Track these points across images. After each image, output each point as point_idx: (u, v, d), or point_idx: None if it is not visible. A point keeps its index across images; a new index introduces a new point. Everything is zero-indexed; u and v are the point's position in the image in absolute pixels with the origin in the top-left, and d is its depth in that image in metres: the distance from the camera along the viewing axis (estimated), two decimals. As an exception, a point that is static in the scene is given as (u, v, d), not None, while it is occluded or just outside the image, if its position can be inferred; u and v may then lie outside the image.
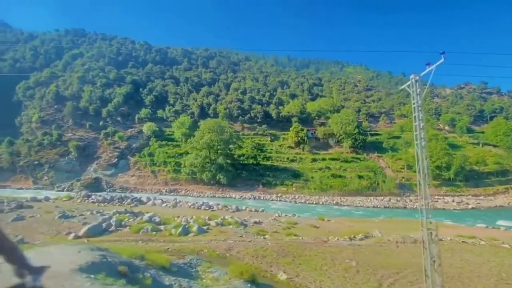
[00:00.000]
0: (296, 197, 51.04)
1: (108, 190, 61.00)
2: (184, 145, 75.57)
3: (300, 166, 69.18)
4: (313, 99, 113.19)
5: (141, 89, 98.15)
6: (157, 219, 18.42)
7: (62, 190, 60.94)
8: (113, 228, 15.82)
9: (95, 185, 61.49)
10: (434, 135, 75.29)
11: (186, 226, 16.38)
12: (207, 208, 30.22)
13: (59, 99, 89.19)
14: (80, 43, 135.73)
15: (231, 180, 60.47)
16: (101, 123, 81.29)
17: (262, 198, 51.61)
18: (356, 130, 75.07)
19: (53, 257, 4.70)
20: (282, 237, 16.38)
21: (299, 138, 76.69)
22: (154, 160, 70.24)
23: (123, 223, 17.19)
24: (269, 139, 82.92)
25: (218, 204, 31.96)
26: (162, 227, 16.76)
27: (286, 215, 27.62)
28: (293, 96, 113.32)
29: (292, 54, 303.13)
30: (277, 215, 27.27)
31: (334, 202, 47.58)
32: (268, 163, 70.73)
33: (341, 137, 76.20)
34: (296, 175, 64.62)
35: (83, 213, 20.41)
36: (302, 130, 78.05)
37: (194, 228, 16.26)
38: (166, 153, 70.14)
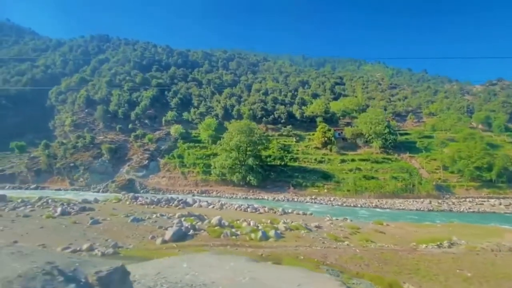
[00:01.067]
0: (332, 199, 50.07)
1: (141, 191, 62.50)
2: (210, 146, 76.49)
3: (329, 167, 68.05)
4: (335, 99, 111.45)
5: (166, 92, 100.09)
6: (226, 223, 18.39)
7: (98, 191, 63.20)
8: (191, 232, 15.89)
9: (129, 186, 63.16)
10: (470, 134, 72.03)
11: (264, 231, 16.23)
12: (253, 211, 30.06)
13: (90, 103, 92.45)
14: (105, 48, 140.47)
15: (261, 181, 60.33)
16: (130, 125, 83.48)
17: (296, 200, 51.06)
18: (387, 130, 73.00)
19: (273, 275, 4.48)
20: (361, 243, 15.87)
21: (326, 138, 75.49)
22: (183, 161, 71.27)
23: (196, 226, 17.28)
24: (294, 140, 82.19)
25: (264, 207, 31.72)
26: (236, 231, 16.68)
27: (337, 219, 26.97)
28: (315, 96, 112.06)
29: (307, 53, 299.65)
30: (328, 218, 26.66)
31: (373, 204, 46.24)
32: (296, 164, 70.09)
33: (370, 137, 74.31)
34: (326, 176, 63.58)
35: (150, 216, 20.72)
36: (329, 130, 76.83)
37: (271, 233, 16.08)
38: (195, 154, 70.79)
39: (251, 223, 18.99)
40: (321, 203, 48.04)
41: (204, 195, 58.00)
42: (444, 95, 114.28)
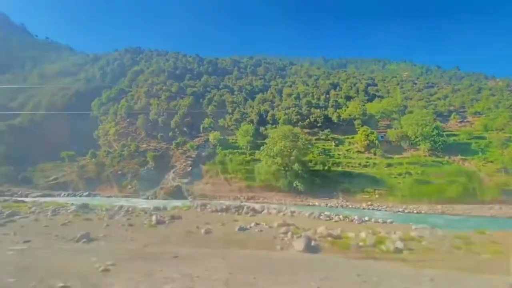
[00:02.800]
0: (390, 206, 48.06)
1: (189, 197, 63.75)
2: (248, 152, 76.89)
3: (375, 171, 65.71)
4: (370, 100, 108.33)
5: (201, 100, 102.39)
6: (334, 233, 17.89)
7: (147, 198, 65.27)
8: (313, 243, 15.53)
9: (177, 193, 64.72)
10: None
11: (397, 242, 15.56)
12: (328, 219, 29.30)
13: (131, 113, 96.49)
14: (139, 60, 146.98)
15: (308, 187, 59.34)
16: (170, 133, 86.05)
17: (350, 206, 49.58)
18: (435, 132, 69.46)
19: None
20: (498, 256, 14.69)
21: (369, 141, 73.19)
22: (225, 167, 71.99)
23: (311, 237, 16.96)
24: (333, 143, 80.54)
25: (338, 215, 30.86)
26: (358, 242, 16.12)
27: (424, 227, 25.55)
28: (348, 98, 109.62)
29: (327, 55, 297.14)
30: (415, 227, 25.32)
31: (439, 210, 43.71)
32: (339, 169, 68.43)
33: (417, 139, 71.03)
34: (374, 181, 61.39)
35: (250, 225, 20.72)
36: (372, 133, 74.42)
37: (399, 244, 15.37)
38: (237, 160, 71.28)
39: (365, 234, 18.24)
40: (380, 210, 46.17)
41: (251, 201, 57.88)
42: (489, 93, 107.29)
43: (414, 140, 72.04)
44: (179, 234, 17.76)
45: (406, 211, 44.48)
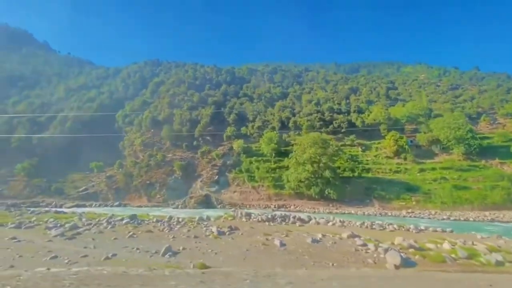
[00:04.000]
0: (433, 213, 46.18)
1: (219, 206, 63.81)
2: (273, 159, 76.45)
3: (408, 177, 63.78)
4: (392, 104, 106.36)
5: (222, 109, 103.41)
6: (416, 245, 17.12)
7: (177, 207, 65.71)
8: (404, 256, 14.87)
9: (206, 202, 64.92)
10: None
11: (498, 255, 14.73)
12: (381, 228, 28.31)
13: (154, 124, 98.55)
14: (158, 72, 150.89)
15: (339, 194, 58.10)
16: (195, 143, 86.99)
17: (389, 214, 48.01)
18: (469, 135, 66.98)
19: None
20: None
21: (398, 146, 71.37)
22: (251, 175, 71.80)
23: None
24: (359, 149, 79.05)
25: (391, 224, 29.80)
26: (449, 255, 15.33)
27: (488, 236, 24.21)
28: (369, 103, 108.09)
29: (338, 60, 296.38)
30: (480, 236, 24.02)
31: (489, 218, 41.55)
32: (369, 175, 66.85)
33: (449, 143, 68.69)
34: (409, 187, 59.46)
35: (318, 236, 20.25)
36: (402, 138, 72.60)
37: (499, 257, 14.49)
38: (265, 168, 70.95)
39: (449, 246, 17.36)
40: (422, 217, 44.41)
41: (282, 209, 57.18)
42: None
43: (446, 144, 69.76)
44: (255, 246, 17.47)
45: (451, 218, 42.50)
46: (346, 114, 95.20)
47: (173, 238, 20.64)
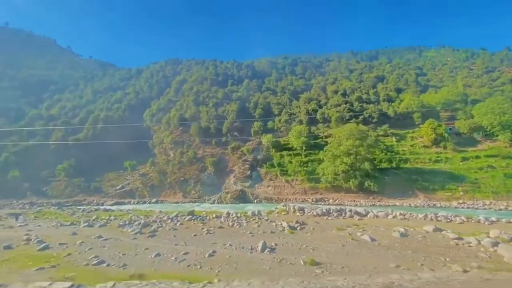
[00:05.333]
0: (488, 203, 44.10)
1: (255, 200, 64.27)
2: (303, 153, 75.58)
3: (450, 167, 61.14)
4: (423, 91, 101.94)
5: (247, 104, 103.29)
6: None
7: (213, 203, 66.82)
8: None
9: (241, 197, 65.54)
10: None
11: None
12: (448, 220, 27.19)
13: (182, 121, 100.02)
14: (180, 70, 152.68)
15: (379, 186, 56.65)
16: (223, 139, 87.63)
17: (438, 205, 46.33)
18: (517, 120, 63.02)
19: None
20: None
21: (437, 135, 68.42)
22: (284, 169, 71.55)
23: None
24: (394, 139, 76.55)
25: (457, 216, 28.56)
26: None
27: None
28: (398, 91, 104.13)
29: (355, 48, 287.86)
30: None
31: (556, 208, 39.18)
32: (408, 165, 64.68)
33: (494, 129, 65.01)
34: (452, 177, 57.01)
35: (399, 230, 19.72)
36: (440, 125, 69.52)
37: None
38: (298, 162, 70.41)
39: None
40: (476, 208, 42.51)
41: (320, 203, 56.65)
42: None
43: (490, 130, 66.06)
44: (346, 241, 17.22)
45: (509, 208, 40.36)
46: (376, 103, 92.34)
47: (250, 234, 20.79)
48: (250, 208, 52.38)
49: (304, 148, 76.88)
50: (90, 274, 13.40)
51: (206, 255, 15.00)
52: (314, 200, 59.03)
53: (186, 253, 15.52)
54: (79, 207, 62.00)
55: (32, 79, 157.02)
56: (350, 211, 31.83)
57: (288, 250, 15.88)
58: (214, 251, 15.49)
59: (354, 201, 54.83)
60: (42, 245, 18.65)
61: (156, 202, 73.11)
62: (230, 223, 24.91)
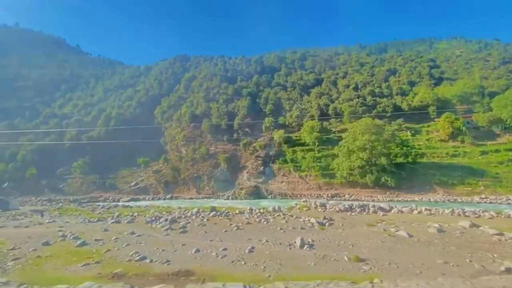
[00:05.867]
0: (510, 198, 43.18)
1: (269, 196, 64.37)
2: (316, 148, 75.08)
3: (469, 161, 59.88)
4: (437, 84, 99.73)
5: (257, 100, 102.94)
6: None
7: (228, 198, 67.18)
8: None
9: (256, 193, 65.73)
10: None
11: None
12: (476, 216, 26.65)
13: (193, 118, 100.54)
14: (188, 67, 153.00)
15: (396, 181, 55.93)
16: (235, 135, 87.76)
17: (460, 200, 45.58)
18: (539, 112, 61.11)
19: None
20: None
21: (454, 129, 67.00)
22: (297, 165, 71.33)
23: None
24: (409, 133, 75.31)
25: (485, 211, 27.97)
26: None
27: None
28: (411, 84, 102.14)
29: (363, 41, 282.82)
30: None
31: None
32: (424, 160, 63.63)
33: (514, 122, 63.28)
34: (471, 171, 55.87)
35: (433, 225, 19.44)
36: (457, 119, 68.01)
37: None
38: (312, 158, 70.03)
39: None
40: (500, 203, 41.63)
41: (335, 198, 56.35)
42: None
43: (510, 123, 64.29)
44: (384, 237, 17.06)
45: (535, 203, 39.44)
46: (389, 97, 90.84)
47: (281, 230, 20.78)
48: (265, 203, 52.45)
49: (317, 143, 76.37)
50: (135, 269, 13.60)
51: (246, 251, 15.04)
52: (329, 195, 58.78)
53: (225, 249, 15.60)
54: (97, 203, 63.18)
55: (44, 79, 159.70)
56: (373, 206, 31.50)
57: (327, 246, 15.80)
58: (252, 247, 15.53)
59: (371, 196, 54.36)
60: (79, 242, 19.03)
61: (171, 198, 73.96)
62: (257, 219, 24.95)
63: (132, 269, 13.58)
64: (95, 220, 30.05)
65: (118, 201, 73.36)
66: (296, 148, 77.86)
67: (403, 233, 17.43)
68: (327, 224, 22.67)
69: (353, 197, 56.17)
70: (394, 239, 16.62)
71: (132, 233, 21.30)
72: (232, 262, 13.66)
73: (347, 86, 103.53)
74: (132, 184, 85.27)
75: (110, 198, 77.96)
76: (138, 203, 65.43)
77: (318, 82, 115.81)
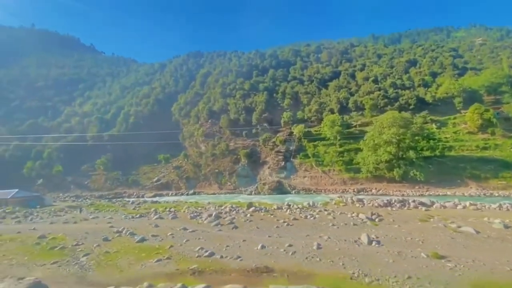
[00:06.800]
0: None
1: (293, 191, 64.28)
2: (338, 143, 74.05)
3: (501, 153, 57.73)
4: (461, 74, 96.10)
5: (274, 94, 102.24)
6: None
7: (251, 194, 67.41)
8: None
9: (279, 188, 65.73)
10: None
11: None
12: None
13: (211, 114, 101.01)
14: (202, 63, 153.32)
15: (425, 175, 54.63)
16: (254, 130, 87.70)
17: (496, 194, 44.20)
18: None
19: None
20: None
21: (484, 120, 64.59)
22: (319, 160, 70.75)
23: None
24: (434, 126, 73.21)
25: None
26: None
27: None
28: (433, 75, 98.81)
29: (376, 32, 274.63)
30: None
31: None
32: (452, 153, 61.78)
33: (550, 112, 60.37)
34: (506, 165, 53.87)
35: (503, 222, 18.91)
36: (487, 110, 65.53)
37: None
38: (335, 152, 69.19)
39: None
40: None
41: (362, 193, 55.61)
42: None
43: (545, 114, 61.41)
44: (452, 233, 16.69)
45: None
46: (411, 89, 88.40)
47: (334, 226, 20.66)
48: (291, 199, 52.42)
49: (338, 137, 75.30)
50: (209, 265, 13.77)
51: (314, 247, 14.98)
52: (355, 190, 58.08)
53: (290, 245, 15.59)
54: (126, 199, 64.77)
55: (63, 78, 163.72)
56: (414, 201, 30.95)
57: (394, 242, 15.56)
58: (319, 244, 15.45)
59: (399, 191, 53.41)
60: (138, 237, 19.46)
61: (194, 193, 74.95)
62: (301, 215, 24.92)
63: (206, 265, 13.76)
64: (137, 216, 30.77)
65: (143, 196, 74.97)
66: (317, 142, 77.07)
67: (468, 229, 16.96)
68: (377, 219, 22.36)
69: (380, 191, 55.35)
70: (462, 235, 16.21)
71: (185, 228, 21.64)
72: (306, 258, 13.63)
73: (366, 79, 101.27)
74: (154, 180, 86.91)
75: (134, 194, 79.78)
76: (163, 199, 66.68)
77: (336, 75, 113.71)
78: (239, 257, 14.42)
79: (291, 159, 75.35)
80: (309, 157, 72.81)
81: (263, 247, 15.59)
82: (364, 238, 15.70)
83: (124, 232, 21.24)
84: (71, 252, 17.00)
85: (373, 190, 56.55)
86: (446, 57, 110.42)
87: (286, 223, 21.95)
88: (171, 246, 17.13)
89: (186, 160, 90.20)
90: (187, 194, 74.46)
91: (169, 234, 20.07)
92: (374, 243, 15.29)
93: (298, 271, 12.42)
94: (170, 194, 77.34)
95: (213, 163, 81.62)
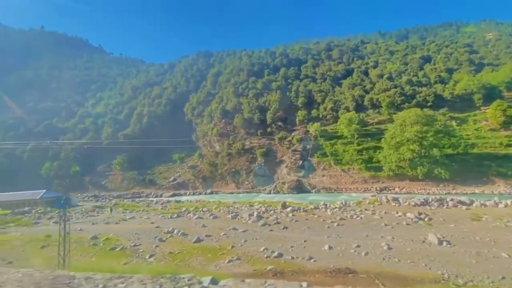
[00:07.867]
0: None
1: (313, 190, 64.15)
2: (355, 141, 73.53)
3: (527, 150, 56.74)
4: (478, 70, 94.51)
5: (287, 93, 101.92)
6: None
7: (269, 193, 67.44)
8: None
9: (298, 187, 65.63)
10: None
11: None
12: None
13: (224, 114, 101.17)
14: (212, 63, 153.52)
15: (451, 173, 53.97)
16: (269, 129, 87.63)
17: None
18: None
19: None
20: None
21: (507, 117, 63.51)
22: (337, 159, 70.41)
23: None
24: (454, 123, 72.17)
25: None
26: None
27: None
28: (449, 71, 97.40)
29: (382, 28, 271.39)
30: None
31: None
32: (475, 151, 60.86)
33: None
34: (533, 162, 52.97)
35: None
36: (510, 107, 64.39)
37: None
38: (355, 151, 68.76)
39: None
40: None
41: (385, 192, 55.21)
42: None
43: None
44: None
45: None
46: (428, 86, 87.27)
47: (388, 226, 20.54)
48: (314, 198, 52.31)
49: (356, 136, 74.79)
50: (284, 266, 13.79)
51: (385, 248, 14.93)
52: (377, 189, 57.72)
53: (358, 246, 15.54)
54: (150, 199, 65.38)
55: (75, 80, 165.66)
56: (452, 200, 30.65)
57: (464, 243, 15.42)
58: (387, 244, 15.38)
59: (424, 189, 52.94)
60: (193, 238, 19.58)
61: (211, 193, 75.29)
62: (346, 215, 24.83)
63: (281, 266, 13.79)
64: (174, 216, 31.00)
65: (161, 196, 75.60)
66: (334, 141, 76.65)
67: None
68: (426, 219, 22.17)
69: (403, 190, 54.94)
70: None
71: (235, 228, 21.75)
72: (383, 259, 13.57)
73: (381, 76, 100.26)
74: (171, 179, 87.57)
75: (152, 193, 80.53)
76: (183, 198, 67.12)
77: (348, 73, 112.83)
78: (311, 258, 14.41)
79: (309, 157, 75.15)
80: (327, 156, 72.49)
81: (330, 247, 15.57)
82: (432, 238, 15.58)
83: (176, 232, 21.38)
84: (134, 253, 17.17)
85: (396, 189, 56.14)
86: (461, 53, 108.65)
87: (335, 223, 21.90)
88: (233, 247, 17.21)
89: (201, 159, 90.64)
90: (205, 193, 74.86)
91: (222, 234, 20.18)
92: (444, 243, 15.15)
93: (381, 272, 12.36)
94: (187, 193, 77.86)
95: (229, 162, 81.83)
